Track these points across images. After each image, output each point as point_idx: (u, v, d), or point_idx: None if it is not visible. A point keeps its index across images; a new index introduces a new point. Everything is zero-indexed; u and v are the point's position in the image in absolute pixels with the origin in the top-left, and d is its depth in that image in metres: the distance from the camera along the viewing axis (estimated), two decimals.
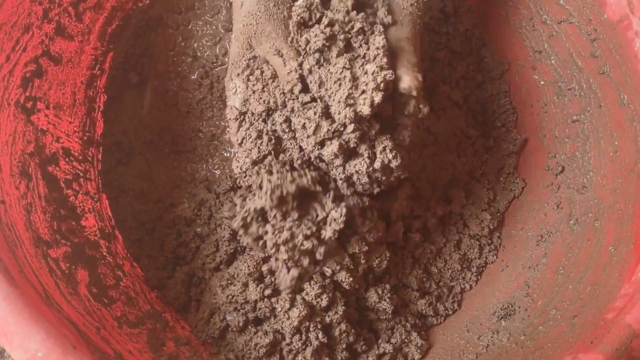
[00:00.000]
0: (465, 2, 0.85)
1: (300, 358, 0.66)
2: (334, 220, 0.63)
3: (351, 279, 0.67)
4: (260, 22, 0.60)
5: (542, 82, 0.80)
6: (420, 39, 0.64)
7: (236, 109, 0.66)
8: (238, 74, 0.64)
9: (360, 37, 0.59)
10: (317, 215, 0.64)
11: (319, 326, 0.66)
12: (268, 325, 0.67)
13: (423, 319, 0.76)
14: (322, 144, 0.61)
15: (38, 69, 0.67)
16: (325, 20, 0.58)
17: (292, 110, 0.63)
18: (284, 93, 0.63)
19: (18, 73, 0.64)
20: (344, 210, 0.63)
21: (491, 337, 0.69)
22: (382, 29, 0.59)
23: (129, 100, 0.80)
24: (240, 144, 0.66)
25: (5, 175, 0.60)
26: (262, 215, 0.64)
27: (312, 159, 0.65)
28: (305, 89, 0.62)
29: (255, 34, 0.60)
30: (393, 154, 0.61)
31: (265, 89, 0.65)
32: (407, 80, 0.60)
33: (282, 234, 0.62)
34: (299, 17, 0.59)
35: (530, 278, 0.74)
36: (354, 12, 0.59)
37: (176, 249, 0.75)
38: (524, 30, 0.80)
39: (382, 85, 0.57)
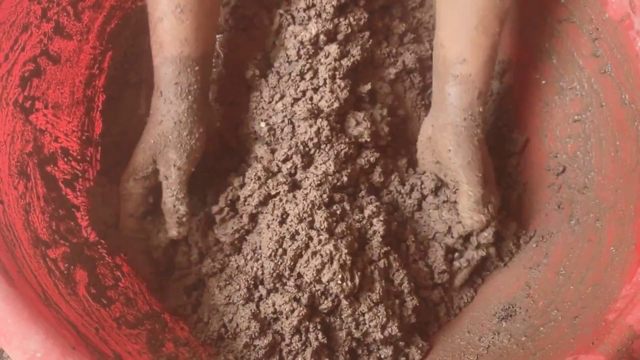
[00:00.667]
0: None
1: (300, 359, 0.65)
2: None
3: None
4: (168, 146, 0.67)
5: (543, 82, 0.79)
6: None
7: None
8: (135, 179, 0.69)
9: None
10: None
11: (319, 326, 0.66)
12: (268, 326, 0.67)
13: None
14: None
15: (37, 69, 0.66)
16: None
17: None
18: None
19: (16, 72, 0.64)
20: None
21: (492, 338, 0.69)
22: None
23: (128, 99, 0.80)
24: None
25: (4, 175, 0.60)
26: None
27: None
28: None
29: (160, 153, 0.67)
30: None
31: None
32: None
33: None
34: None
35: (531, 279, 0.73)
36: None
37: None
38: (525, 30, 0.80)
39: None
